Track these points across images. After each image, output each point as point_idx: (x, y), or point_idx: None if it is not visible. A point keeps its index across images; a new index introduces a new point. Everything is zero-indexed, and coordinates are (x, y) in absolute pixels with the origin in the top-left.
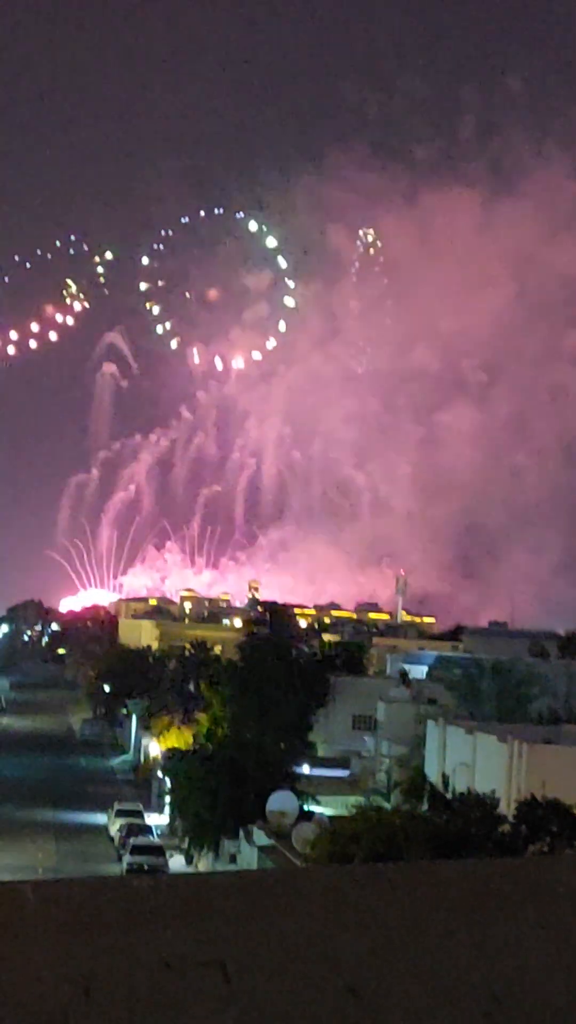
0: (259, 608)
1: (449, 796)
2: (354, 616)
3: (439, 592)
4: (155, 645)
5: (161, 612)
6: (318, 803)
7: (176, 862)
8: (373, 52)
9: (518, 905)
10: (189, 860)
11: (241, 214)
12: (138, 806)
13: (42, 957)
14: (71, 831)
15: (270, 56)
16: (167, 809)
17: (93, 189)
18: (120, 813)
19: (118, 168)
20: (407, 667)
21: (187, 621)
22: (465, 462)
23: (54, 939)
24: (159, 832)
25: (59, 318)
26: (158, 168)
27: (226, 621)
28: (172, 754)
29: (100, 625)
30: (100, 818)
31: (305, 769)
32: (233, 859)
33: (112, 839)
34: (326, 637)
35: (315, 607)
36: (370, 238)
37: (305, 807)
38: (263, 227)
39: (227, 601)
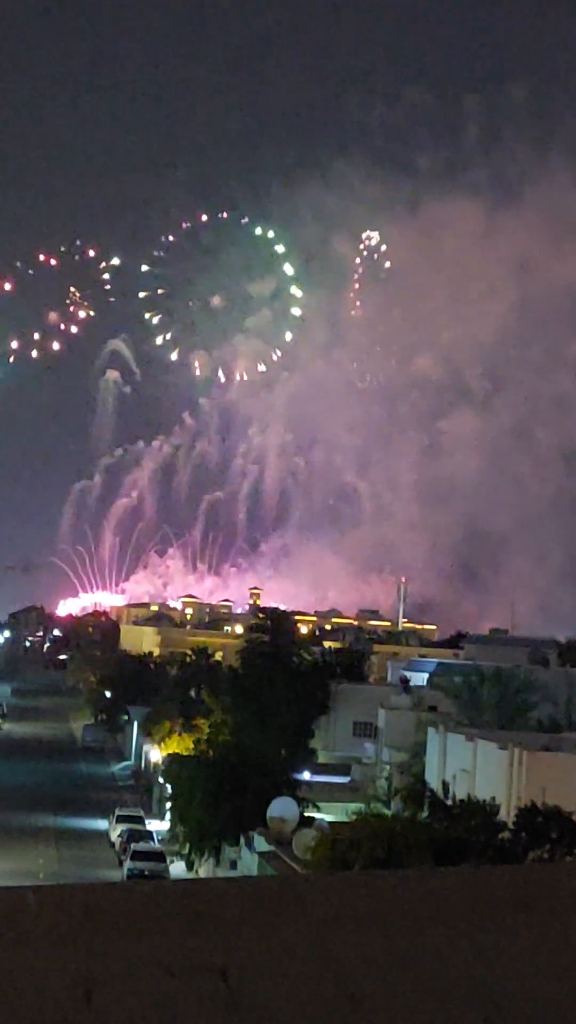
0: (260, 615)
1: (449, 803)
2: (355, 623)
3: (440, 599)
4: (156, 651)
5: (162, 618)
6: (319, 809)
7: (177, 868)
8: (376, 62)
9: (518, 912)
10: (190, 866)
11: (246, 219)
12: (139, 812)
13: (43, 962)
14: (72, 837)
15: (274, 65)
16: (168, 815)
17: (96, 196)
18: (121, 819)
19: (121, 175)
20: (408, 674)
21: (188, 627)
22: (467, 470)
23: (55, 945)
24: (160, 838)
25: (62, 326)
26: (161, 176)
27: (227, 628)
28: (173, 760)
29: (102, 631)
30: (101, 824)
31: (306, 775)
32: (234, 865)
33: (113, 845)
34: (327, 644)
35: (316, 614)
36: (374, 241)
37: (306, 813)
38: (267, 234)
39: (228, 608)
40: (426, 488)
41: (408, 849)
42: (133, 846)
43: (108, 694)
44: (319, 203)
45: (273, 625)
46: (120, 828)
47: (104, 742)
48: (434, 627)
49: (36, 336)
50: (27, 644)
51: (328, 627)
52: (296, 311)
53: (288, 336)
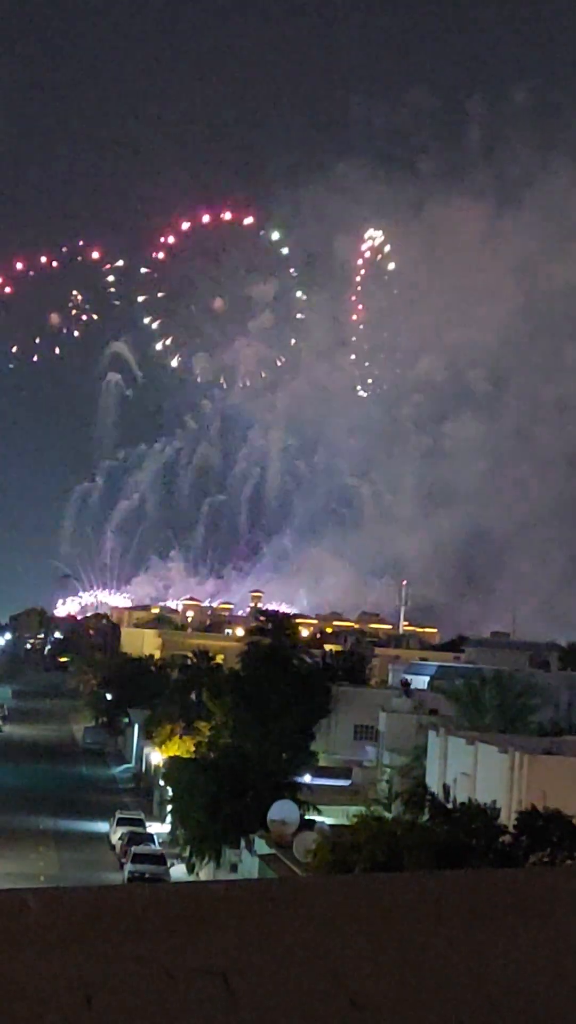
0: (261, 618)
1: (450, 806)
2: (356, 626)
3: (442, 602)
4: (157, 654)
5: (163, 621)
6: (319, 812)
7: (177, 871)
8: (380, 64)
9: (519, 915)
10: (191, 869)
11: (251, 219)
12: (140, 815)
13: (44, 965)
14: (73, 839)
15: (277, 67)
16: (168, 818)
17: (97, 198)
18: (122, 821)
19: (122, 177)
20: (409, 677)
21: (189, 630)
22: (469, 473)
23: (56, 947)
24: (160, 841)
25: (64, 329)
26: (163, 178)
27: (228, 631)
28: (174, 763)
29: (103, 634)
30: (102, 826)
31: (306, 778)
32: (234, 868)
33: (114, 847)
34: (328, 647)
35: (317, 617)
36: (377, 241)
37: (306, 816)
38: (271, 236)
39: (229, 610)
40: (428, 491)
41: (409, 852)
42: (134, 849)
43: (109, 696)
44: (322, 205)
45: (274, 628)
46: (121, 831)
47: (105, 745)
48: (435, 630)
49: (37, 340)
50: (28, 646)
51: (329, 630)
52: (299, 314)
53: (290, 339)
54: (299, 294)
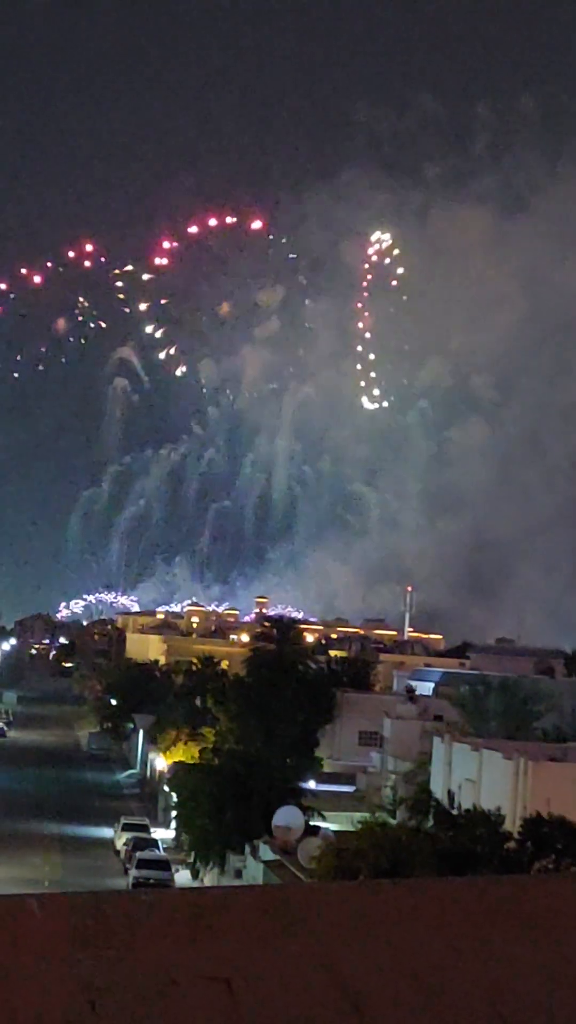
0: (266, 623)
1: (454, 812)
2: (361, 632)
3: (448, 609)
4: (162, 660)
5: (168, 627)
6: (324, 818)
7: (182, 876)
8: (386, 70)
9: (523, 922)
10: (195, 874)
11: (258, 224)
12: (144, 820)
13: (47, 971)
14: (77, 845)
15: (283, 73)
16: (173, 823)
17: (103, 203)
18: (126, 827)
19: (128, 183)
20: (413, 683)
21: (194, 636)
22: (475, 479)
23: (60, 953)
24: (165, 846)
25: (71, 338)
26: (169, 184)
27: (233, 636)
28: (178, 768)
29: (108, 639)
30: (106, 832)
31: (311, 784)
32: (239, 874)
33: (118, 853)
34: (333, 653)
35: (322, 623)
36: (384, 245)
37: (311, 822)
38: (280, 241)
39: (234, 616)
40: (434, 497)
41: (413, 859)
42: (138, 854)
43: (114, 702)
44: (328, 211)
45: (279, 634)
46: (125, 836)
47: (109, 750)
48: (440, 636)
49: (43, 348)
50: (33, 651)
51: (334, 636)
52: (305, 320)
53: (296, 345)
54: (305, 301)
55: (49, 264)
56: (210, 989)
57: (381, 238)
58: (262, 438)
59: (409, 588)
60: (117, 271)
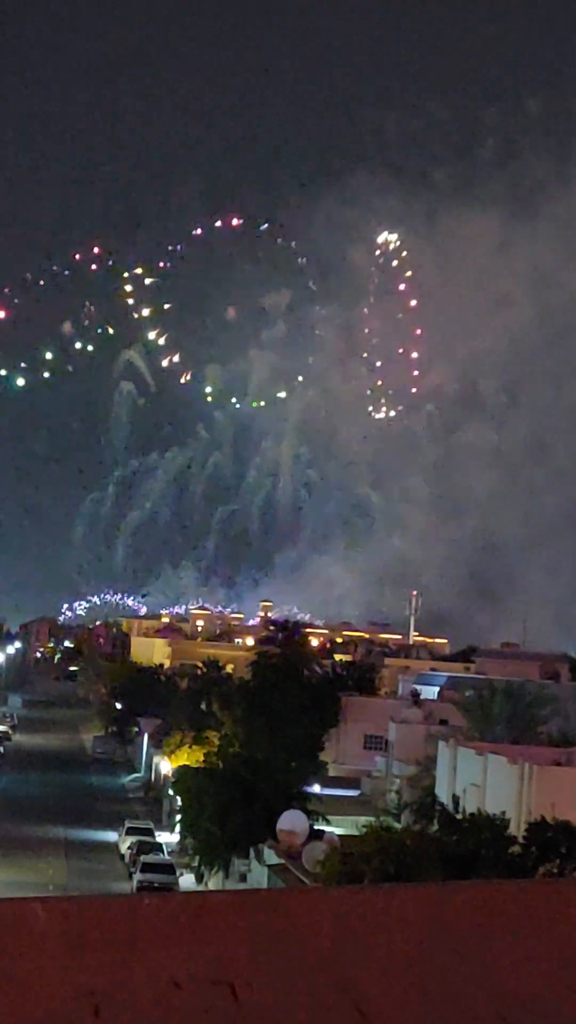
0: (271, 627)
1: (459, 817)
2: (366, 636)
3: (454, 612)
4: (167, 663)
5: (173, 630)
6: (328, 822)
7: (186, 880)
8: (393, 74)
9: (527, 926)
10: (199, 878)
11: (266, 225)
12: (149, 824)
13: (51, 974)
14: (81, 848)
15: (290, 76)
16: (178, 827)
17: (109, 207)
18: (131, 831)
19: (134, 187)
20: (418, 687)
21: (199, 639)
22: (482, 482)
23: (63, 956)
24: (169, 850)
25: (78, 345)
26: (175, 187)
27: (238, 640)
28: (183, 772)
29: (112, 643)
30: (111, 836)
31: (316, 788)
32: (243, 878)
33: (122, 857)
34: (338, 657)
35: (327, 626)
36: (392, 247)
37: (315, 826)
38: (289, 245)
39: (240, 620)
40: (440, 501)
41: (418, 863)
42: (143, 858)
43: (118, 706)
44: (335, 215)
45: (284, 638)
46: (130, 840)
47: (114, 754)
48: (445, 640)
49: (48, 354)
50: (38, 655)
51: (339, 640)
52: (312, 324)
53: (303, 348)
54: (312, 304)
55: (55, 268)
56: (213, 993)
57: (388, 240)
58: (268, 442)
59: (414, 592)
60: (126, 275)
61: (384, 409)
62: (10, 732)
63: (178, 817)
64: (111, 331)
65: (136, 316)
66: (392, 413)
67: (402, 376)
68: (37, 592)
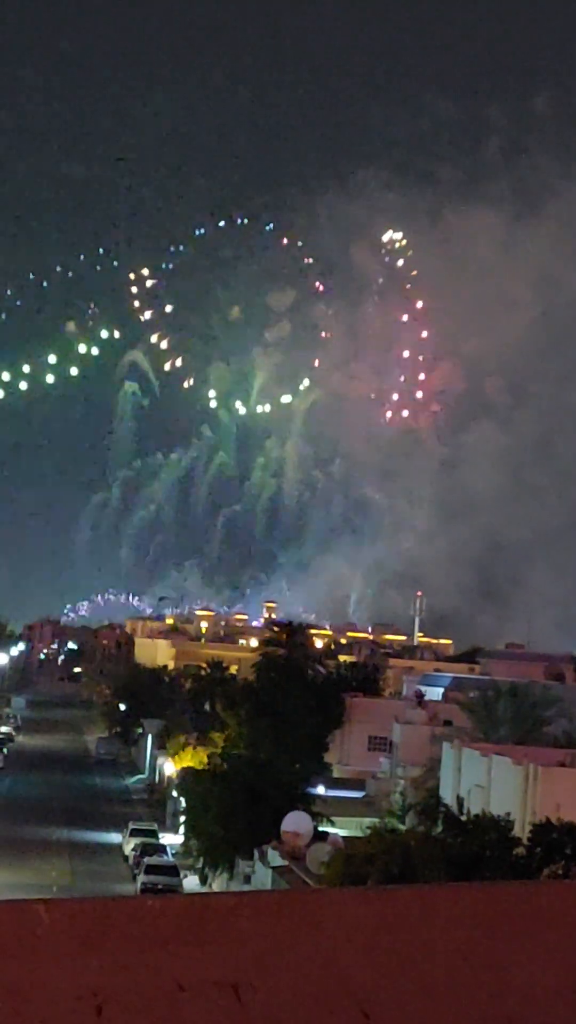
0: (275, 628)
1: (464, 818)
2: (370, 637)
3: (458, 613)
4: (171, 664)
5: (177, 631)
6: (333, 824)
7: (190, 882)
8: (399, 72)
9: (532, 928)
10: (204, 880)
11: (272, 225)
12: (153, 826)
13: (55, 975)
14: (85, 850)
15: (295, 76)
16: (182, 829)
17: (114, 208)
18: (135, 832)
19: (138, 186)
20: (423, 688)
21: (203, 641)
22: (487, 483)
23: (67, 958)
24: (173, 852)
25: (82, 348)
26: (180, 186)
27: (242, 641)
28: (187, 774)
29: (116, 644)
30: (115, 837)
31: (320, 790)
32: (247, 879)
33: (126, 858)
34: (342, 658)
35: (331, 627)
36: (397, 245)
37: (320, 828)
38: (288, 244)
39: (244, 621)
40: (445, 501)
41: (422, 864)
42: (146, 860)
43: (122, 707)
44: (340, 213)
45: (288, 639)
46: (134, 842)
47: (118, 755)
48: (450, 641)
49: (52, 357)
50: (42, 656)
51: (343, 641)
52: (316, 323)
53: (307, 348)
54: (317, 303)
55: (58, 268)
56: (218, 995)
57: (394, 238)
58: (273, 442)
59: (419, 593)
60: (132, 276)
61: (389, 403)
62: (13, 733)
63: (182, 819)
64: (116, 333)
65: (140, 318)
66: (405, 413)
67: (407, 375)
68: (41, 593)
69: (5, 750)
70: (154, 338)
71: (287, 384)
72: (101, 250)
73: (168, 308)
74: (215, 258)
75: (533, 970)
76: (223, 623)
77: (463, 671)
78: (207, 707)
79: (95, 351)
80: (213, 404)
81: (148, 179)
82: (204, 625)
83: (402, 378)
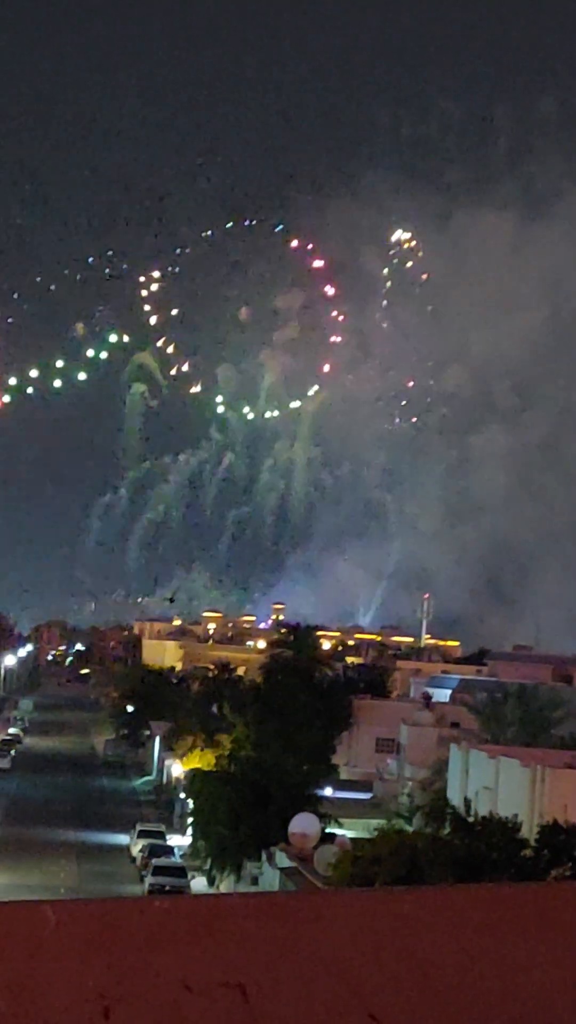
0: (283, 630)
1: (471, 820)
2: (378, 638)
3: (465, 615)
4: (179, 666)
5: (185, 633)
6: (340, 825)
7: (198, 883)
8: (407, 74)
9: (540, 930)
10: (211, 881)
11: (281, 227)
12: (160, 827)
13: (62, 976)
14: (93, 851)
15: (304, 77)
16: (189, 830)
17: (119, 209)
18: (142, 834)
19: (145, 187)
20: (430, 690)
21: (211, 642)
22: (495, 485)
23: (74, 959)
24: (181, 853)
25: (90, 352)
26: (189, 191)
27: (250, 643)
28: (195, 775)
29: (124, 646)
30: (122, 839)
31: (328, 791)
32: (255, 881)
33: (134, 860)
34: (350, 659)
35: (339, 629)
36: (406, 246)
37: (327, 829)
38: (296, 247)
39: (251, 623)
40: (453, 503)
41: (430, 866)
42: (154, 861)
43: (130, 709)
44: (348, 215)
45: (296, 640)
46: (141, 843)
47: (125, 757)
48: (457, 643)
49: (60, 362)
50: (49, 657)
51: (351, 642)
52: (324, 325)
53: (315, 350)
54: (325, 305)
55: (67, 271)
56: (225, 995)
57: (402, 240)
58: (281, 444)
59: (426, 595)
60: (142, 279)
61: (397, 405)
62: (21, 735)
63: (190, 820)
64: (124, 336)
65: (149, 321)
66: (414, 419)
67: (415, 377)
68: (49, 595)
69: (13, 752)
70: (162, 340)
71: (295, 386)
72: (110, 252)
73: (176, 311)
74: (224, 260)
75: (540, 972)
76: (231, 625)
77: (471, 673)
78: (215, 709)
79: (103, 354)
80: (221, 407)
81: (157, 181)
82: (212, 627)
83: (410, 380)
